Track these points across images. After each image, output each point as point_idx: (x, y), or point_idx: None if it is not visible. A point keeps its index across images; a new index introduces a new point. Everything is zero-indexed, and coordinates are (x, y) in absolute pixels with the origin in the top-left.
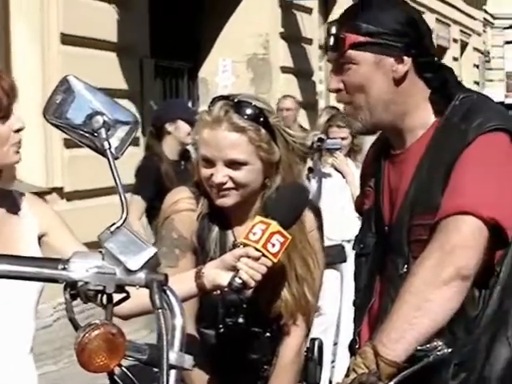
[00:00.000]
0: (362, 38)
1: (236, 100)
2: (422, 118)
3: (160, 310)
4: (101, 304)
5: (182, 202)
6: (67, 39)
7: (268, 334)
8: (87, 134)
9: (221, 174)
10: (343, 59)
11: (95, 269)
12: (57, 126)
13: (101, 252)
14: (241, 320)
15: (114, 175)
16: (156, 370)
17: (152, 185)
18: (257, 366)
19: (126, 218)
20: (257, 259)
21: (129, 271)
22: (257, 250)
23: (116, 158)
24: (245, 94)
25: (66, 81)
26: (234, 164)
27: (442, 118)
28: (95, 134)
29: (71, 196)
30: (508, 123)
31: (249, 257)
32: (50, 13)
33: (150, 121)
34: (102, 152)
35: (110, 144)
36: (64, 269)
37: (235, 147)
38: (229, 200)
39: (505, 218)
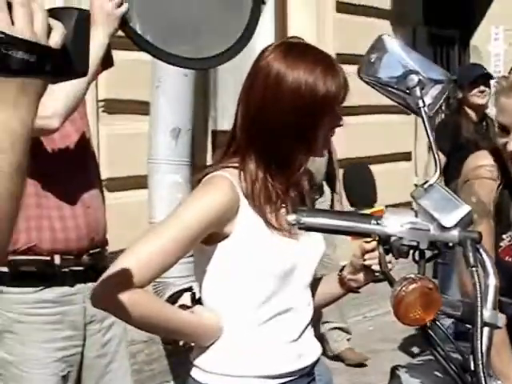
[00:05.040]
0: None
1: None
2: None
3: (474, 268)
4: (413, 259)
5: (483, 168)
6: (342, 7)
7: None
8: (399, 92)
9: None
10: None
11: (409, 224)
12: (369, 84)
13: (413, 209)
14: None
15: (427, 133)
16: (468, 326)
17: (450, 140)
18: None
19: (439, 176)
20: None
21: (443, 228)
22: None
23: (429, 117)
24: None
25: (380, 39)
26: None
27: None
28: (408, 92)
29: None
30: None
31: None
32: None
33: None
34: (414, 110)
35: (424, 102)
36: (377, 224)
37: None
38: None
39: None
